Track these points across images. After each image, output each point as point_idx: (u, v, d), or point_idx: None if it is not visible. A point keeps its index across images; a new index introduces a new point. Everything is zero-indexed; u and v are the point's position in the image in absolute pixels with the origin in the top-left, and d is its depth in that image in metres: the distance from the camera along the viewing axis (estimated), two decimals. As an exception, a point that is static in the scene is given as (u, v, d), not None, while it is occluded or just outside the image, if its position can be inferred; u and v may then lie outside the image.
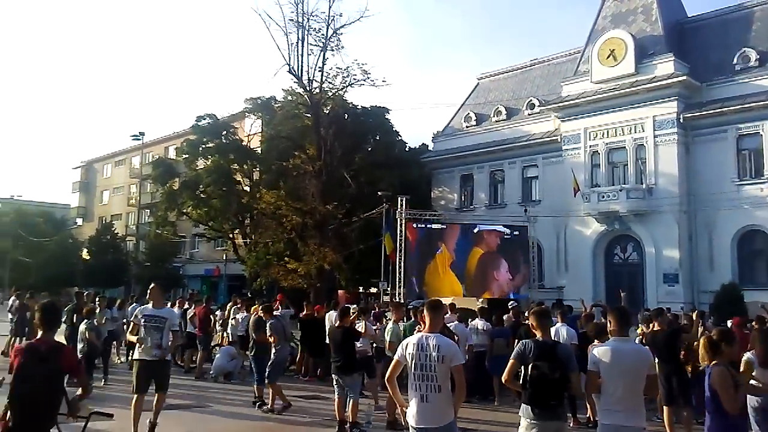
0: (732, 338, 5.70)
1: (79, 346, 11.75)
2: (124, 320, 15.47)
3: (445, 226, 27.76)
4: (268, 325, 11.02)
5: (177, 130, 51.50)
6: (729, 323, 12.38)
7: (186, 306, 17.03)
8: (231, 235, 40.09)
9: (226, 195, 36.69)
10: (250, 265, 35.36)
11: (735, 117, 26.62)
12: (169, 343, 8.53)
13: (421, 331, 5.52)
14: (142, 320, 8.35)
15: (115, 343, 16.63)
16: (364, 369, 10.65)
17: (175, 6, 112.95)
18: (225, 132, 39.42)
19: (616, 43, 29.76)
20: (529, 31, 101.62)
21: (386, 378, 5.40)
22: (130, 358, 15.48)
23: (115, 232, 51.07)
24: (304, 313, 16.28)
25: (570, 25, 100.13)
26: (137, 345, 8.43)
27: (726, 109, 26.66)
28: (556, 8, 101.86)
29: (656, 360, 9.15)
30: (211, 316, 16.51)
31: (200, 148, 39.47)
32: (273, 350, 10.98)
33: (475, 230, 26.78)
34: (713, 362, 5.35)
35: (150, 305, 8.64)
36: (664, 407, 9.14)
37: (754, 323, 10.15)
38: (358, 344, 10.12)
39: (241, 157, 38.01)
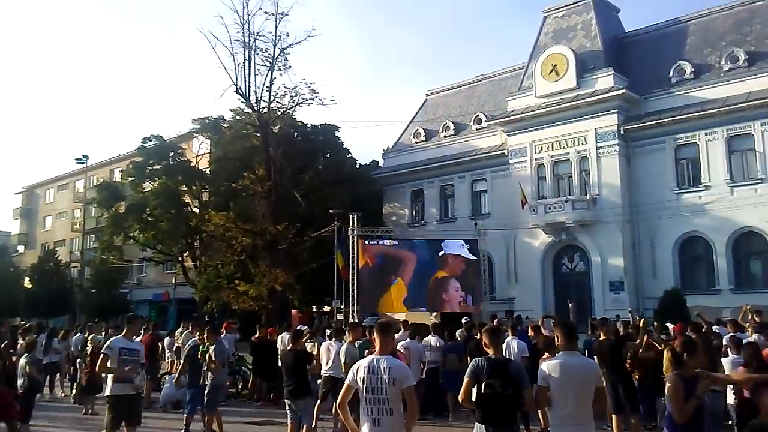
0: (694, 349, 5.76)
1: (19, 381, 11.28)
2: (67, 351, 14.96)
3: (404, 248, 27.20)
4: (212, 349, 10.66)
5: (122, 152, 50.41)
6: (670, 327, 12.78)
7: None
8: (180, 258, 39.31)
9: (174, 217, 36.00)
10: (201, 289, 34.71)
11: (672, 128, 27.61)
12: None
13: (372, 353, 5.51)
14: (119, 353, 8.13)
15: (58, 375, 16.06)
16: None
17: (118, 26, 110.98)
18: (172, 153, 38.76)
19: (557, 58, 30.59)
20: (475, 48, 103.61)
21: (337, 403, 5.36)
22: (74, 391, 15.04)
23: (59, 258, 49.38)
24: (256, 335, 16.08)
25: (514, 41, 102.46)
26: (111, 380, 8.16)
27: (663, 120, 27.65)
28: (499, 26, 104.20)
29: (603, 369, 9.38)
30: (159, 343, 16.11)
31: (147, 170, 38.70)
32: (209, 376, 10.44)
33: (440, 253, 26.73)
34: (671, 372, 5.48)
35: (123, 337, 8.47)
36: (613, 415, 9.33)
37: (689, 329, 10.48)
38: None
39: (190, 178, 37.42)
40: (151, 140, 39.07)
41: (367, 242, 26.66)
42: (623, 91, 28.42)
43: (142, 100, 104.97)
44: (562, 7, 33.07)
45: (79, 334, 17.56)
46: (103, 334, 16.68)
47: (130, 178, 39.97)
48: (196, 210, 37.23)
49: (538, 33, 33.45)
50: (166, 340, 17.73)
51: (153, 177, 38.34)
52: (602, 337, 10.24)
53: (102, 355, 8.37)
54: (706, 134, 26.80)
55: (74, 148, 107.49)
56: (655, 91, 28.79)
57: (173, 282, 40.91)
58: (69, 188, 59.11)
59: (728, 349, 8.91)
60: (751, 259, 26.13)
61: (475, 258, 26.73)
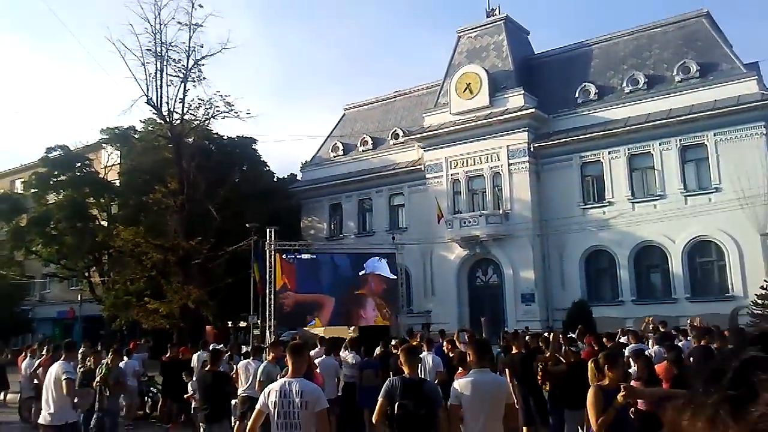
0: (615, 362, 5.91)
1: None
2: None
3: (321, 292, 27.02)
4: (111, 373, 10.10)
5: (24, 163, 47.75)
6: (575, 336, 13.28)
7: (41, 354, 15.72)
8: (86, 274, 37.49)
9: (80, 231, 34.38)
10: (108, 306, 33.21)
11: (578, 146, 28.90)
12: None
13: (284, 377, 5.46)
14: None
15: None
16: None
17: (13, 27, 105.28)
18: (79, 164, 37.06)
19: (471, 77, 31.46)
20: (393, 64, 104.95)
21: (248, 428, 5.27)
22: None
23: (-48, 274, 46.14)
24: (167, 355, 15.54)
25: (430, 60, 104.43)
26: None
27: (570, 139, 28.91)
28: (416, 43, 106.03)
29: (514, 381, 9.66)
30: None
31: (51, 182, 36.83)
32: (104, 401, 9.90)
33: (361, 273, 26.83)
34: (593, 383, 5.69)
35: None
36: (523, 428, 9.60)
37: (593, 341, 10.93)
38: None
39: (97, 190, 35.88)
40: (56, 150, 37.23)
41: (285, 256, 26.45)
42: (533, 110, 29.53)
43: (46, 109, 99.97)
44: (475, 27, 34.08)
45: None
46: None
47: (33, 190, 37.91)
48: (104, 224, 35.74)
49: (453, 52, 34.31)
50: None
51: (57, 189, 36.55)
52: (514, 350, 10.53)
53: (67, 380, 8.19)
54: (609, 152, 28.20)
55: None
56: (562, 111, 30.07)
57: (79, 299, 38.96)
58: (-36, 199, 55.35)
59: (630, 361, 9.34)
60: (651, 272, 27.60)
61: (393, 277, 27.08)
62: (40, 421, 8.28)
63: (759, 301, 22.29)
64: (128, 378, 12.86)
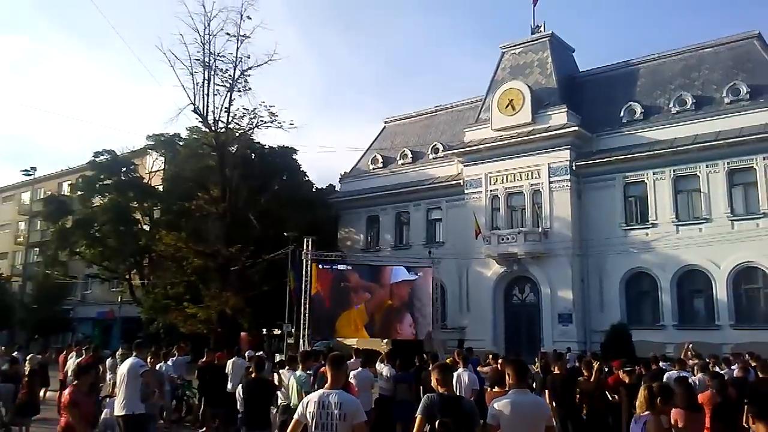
0: (669, 395, 5.87)
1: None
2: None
3: (364, 278, 27.22)
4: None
5: (72, 166, 49.17)
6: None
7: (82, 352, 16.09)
8: (127, 277, 38.29)
9: (123, 235, 35.17)
10: (147, 309, 33.82)
11: (622, 166, 28.43)
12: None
13: (323, 388, 5.46)
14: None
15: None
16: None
17: (71, 37, 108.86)
18: (124, 169, 38.02)
19: (514, 93, 31.29)
20: (434, 79, 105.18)
21: (286, 438, 5.28)
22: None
23: (0, 272, 47.63)
24: (204, 359, 15.71)
25: (472, 75, 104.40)
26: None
27: (613, 158, 28.46)
28: (458, 59, 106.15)
29: (553, 403, 9.50)
30: (100, 365, 15.55)
31: (97, 185, 37.81)
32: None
33: (391, 281, 26.87)
34: (648, 412, 5.61)
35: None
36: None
37: (637, 367, 10.68)
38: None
39: (141, 195, 36.69)
40: (103, 155, 38.25)
41: (320, 266, 26.58)
42: (576, 128, 29.19)
43: (96, 115, 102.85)
44: (520, 44, 33.95)
45: (16, 352, 16.90)
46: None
47: (79, 193, 38.99)
48: (147, 228, 36.49)
49: (496, 68, 34.21)
50: (108, 361, 17.12)
51: (103, 192, 37.49)
52: (556, 371, 10.36)
53: (144, 372, 8.81)
54: (653, 173, 27.68)
55: (21, 160, 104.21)
56: (606, 130, 29.66)
57: (119, 300, 39.86)
58: (14, 200, 57.25)
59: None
60: (694, 297, 26.89)
61: (429, 291, 26.94)
62: (115, 412, 8.79)
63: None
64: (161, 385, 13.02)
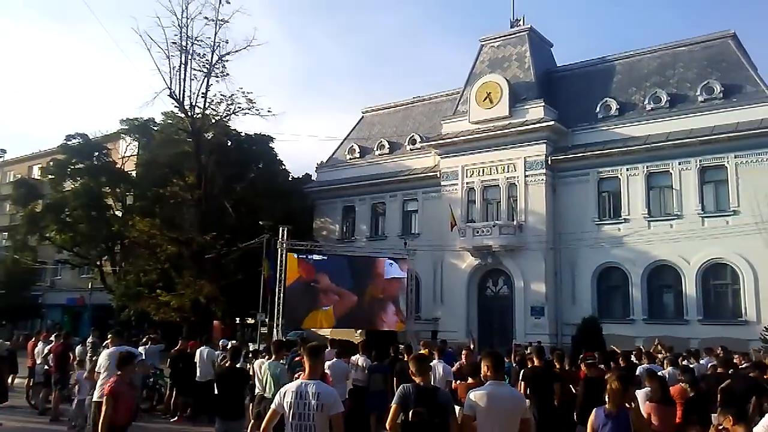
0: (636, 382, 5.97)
1: None
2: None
3: (341, 286, 26.98)
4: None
5: (42, 149, 48.28)
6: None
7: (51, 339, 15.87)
8: (98, 263, 37.75)
9: (95, 220, 34.63)
10: (119, 296, 33.42)
11: (596, 161, 28.73)
12: None
13: (300, 378, 5.45)
14: None
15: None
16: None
17: (42, 15, 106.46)
18: (97, 153, 37.40)
19: (492, 86, 31.39)
20: (413, 70, 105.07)
21: (262, 428, 5.27)
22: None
23: (-34, 256, 46.60)
24: (176, 347, 15.62)
25: (451, 67, 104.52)
26: None
27: (588, 153, 28.74)
28: (438, 50, 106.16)
29: (530, 395, 9.63)
30: (70, 353, 15.36)
31: (68, 169, 37.15)
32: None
33: (382, 276, 26.74)
34: (626, 404, 5.72)
35: None
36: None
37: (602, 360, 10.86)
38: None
39: (114, 180, 36.15)
40: (75, 138, 37.61)
41: (297, 256, 26.43)
42: (552, 122, 29.40)
43: (67, 98, 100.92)
44: (499, 37, 34.05)
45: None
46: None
47: (50, 176, 38.30)
48: (119, 214, 35.98)
49: (475, 60, 34.26)
50: (78, 348, 16.89)
51: (75, 176, 36.88)
52: (536, 364, 10.50)
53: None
54: (627, 169, 28.01)
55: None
56: (582, 125, 29.91)
57: (89, 287, 39.32)
58: (-19, 183, 56.02)
59: (643, 381, 9.25)
60: (664, 292, 27.34)
61: (404, 282, 26.97)
62: (95, 398, 8.78)
63: (773, 328, 22.08)
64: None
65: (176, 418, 14.31)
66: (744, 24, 79.53)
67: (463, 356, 12.54)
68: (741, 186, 25.35)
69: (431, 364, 10.41)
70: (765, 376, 10.56)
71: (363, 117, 41.38)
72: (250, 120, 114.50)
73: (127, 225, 31.38)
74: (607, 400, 5.74)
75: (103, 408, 6.96)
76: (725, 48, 28.98)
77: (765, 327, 22.47)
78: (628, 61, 31.66)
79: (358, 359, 13.12)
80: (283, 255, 25.67)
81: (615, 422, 5.58)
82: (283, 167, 39.41)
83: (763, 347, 21.54)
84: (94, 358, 14.91)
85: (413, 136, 36.05)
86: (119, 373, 7.33)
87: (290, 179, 39.62)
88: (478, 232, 29.93)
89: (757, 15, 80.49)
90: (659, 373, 9.65)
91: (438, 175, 32.57)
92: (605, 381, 6.00)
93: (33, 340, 17.88)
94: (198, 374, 14.29)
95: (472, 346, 17.24)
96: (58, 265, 44.86)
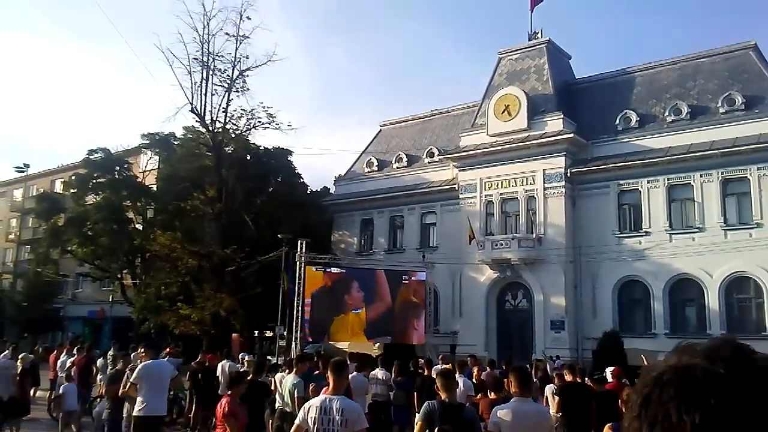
0: None
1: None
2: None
3: (354, 278, 27.44)
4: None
5: (65, 163, 48.99)
6: (608, 372, 12.97)
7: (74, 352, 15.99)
8: (119, 276, 38.09)
9: (116, 233, 34.98)
10: (139, 309, 33.65)
11: (616, 174, 28.53)
12: None
13: (324, 393, 5.44)
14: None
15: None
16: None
17: (66, 32, 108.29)
18: (118, 167, 37.83)
19: (510, 99, 31.35)
20: (431, 83, 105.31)
21: (287, 443, 5.27)
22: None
23: (-9, 269, 47.39)
24: (197, 361, 15.66)
25: (469, 80, 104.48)
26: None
27: (608, 166, 28.55)
28: (456, 64, 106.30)
29: (562, 412, 9.51)
30: (93, 366, 15.48)
31: (90, 184, 37.61)
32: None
33: (405, 279, 27.03)
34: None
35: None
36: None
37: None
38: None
39: (135, 194, 36.53)
40: (97, 152, 38.05)
41: (314, 269, 26.56)
42: (571, 135, 29.26)
43: (90, 113, 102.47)
44: (517, 50, 34.04)
45: (6, 351, 16.74)
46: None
47: (72, 190, 38.80)
48: (140, 227, 36.32)
49: (493, 73, 34.26)
50: (99, 361, 17.05)
51: (96, 190, 37.30)
52: (569, 379, 10.38)
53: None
54: (648, 182, 27.79)
55: (14, 156, 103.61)
56: (601, 137, 29.75)
57: (110, 300, 39.67)
58: (6, 196, 56.98)
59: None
60: (686, 306, 27.00)
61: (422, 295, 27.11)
62: (142, 413, 8.79)
63: (799, 342, 21.66)
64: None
65: (196, 430, 14.31)
66: (766, 34, 78.78)
67: (475, 371, 12.42)
68: (764, 198, 25.04)
69: (453, 379, 10.43)
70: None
71: (381, 130, 41.49)
72: (270, 134, 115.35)
73: (148, 238, 31.67)
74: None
75: (228, 427, 6.94)
76: (746, 59, 28.72)
77: (790, 341, 22.05)
78: (648, 73, 31.48)
79: (378, 373, 13.09)
80: (302, 268, 25.76)
81: None
82: (302, 180, 39.60)
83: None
84: (111, 370, 15.05)
85: (431, 149, 36.05)
86: (230, 392, 7.33)
87: (309, 192, 39.76)
88: (496, 245, 29.79)
89: (778, 25, 79.63)
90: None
91: (456, 188, 32.51)
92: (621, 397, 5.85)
93: (55, 352, 18.04)
94: (221, 388, 14.30)
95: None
96: (79, 278, 45.36)
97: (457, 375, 11.20)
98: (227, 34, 29.19)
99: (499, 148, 30.83)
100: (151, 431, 8.78)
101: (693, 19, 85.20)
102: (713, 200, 26.23)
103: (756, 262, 24.65)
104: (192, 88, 28.95)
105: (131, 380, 9.04)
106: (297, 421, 5.19)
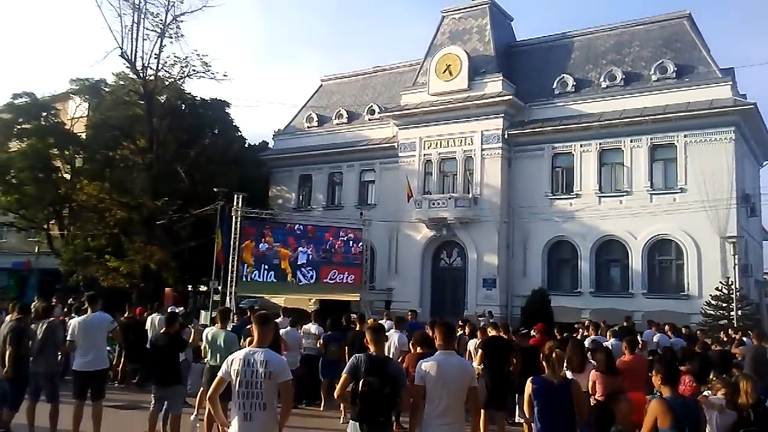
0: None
1: None
2: None
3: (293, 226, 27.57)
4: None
5: (-14, 108, 46.19)
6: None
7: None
8: (45, 227, 36.64)
9: (42, 182, 33.46)
10: (66, 261, 32.54)
11: (551, 137, 29.08)
12: None
13: (248, 346, 5.42)
14: None
15: None
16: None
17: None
18: (45, 113, 35.94)
19: (452, 58, 31.33)
20: (374, 39, 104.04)
21: (208, 396, 5.24)
22: None
23: None
24: (126, 315, 15.39)
25: (412, 37, 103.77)
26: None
27: (544, 129, 29.07)
28: (398, 20, 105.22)
29: (483, 364, 9.84)
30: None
31: (15, 129, 35.66)
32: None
33: (330, 240, 27.12)
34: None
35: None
36: (481, 410, 9.71)
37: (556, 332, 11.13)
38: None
39: (63, 142, 34.89)
40: (22, 97, 36.04)
41: (250, 224, 26.31)
42: (510, 97, 29.56)
43: (14, 55, 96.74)
44: (460, 9, 33.90)
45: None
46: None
47: (-5, 137, 36.71)
48: (68, 176, 34.89)
49: (436, 31, 34.08)
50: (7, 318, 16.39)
51: (21, 137, 35.42)
52: (493, 334, 10.73)
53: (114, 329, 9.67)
54: (581, 145, 28.47)
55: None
56: (538, 100, 30.16)
57: (36, 251, 38.25)
58: None
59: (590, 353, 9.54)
60: (611, 266, 28.07)
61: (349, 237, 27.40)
62: (81, 368, 8.74)
63: (713, 302, 22.95)
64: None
65: (124, 384, 14.16)
66: (699, 4, 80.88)
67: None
68: (689, 165, 26.05)
69: (387, 333, 10.59)
70: (693, 347, 11.20)
71: (322, 85, 40.87)
72: (206, 84, 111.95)
73: (75, 188, 30.47)
74: (546, 369, 5.79)
75: None
76: (680, 28, 29.47)
77: (706, 302, 23.33)
78: (587, 38, 31.93)
79: (311, 327, 13.18)
80: (237, 222, 25.41)
81: (555, 391, 5.64)
82: (239, 134, 38.69)
83: (704, 320, 22.49)
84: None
85: (372, 106, 35.84)
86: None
87: (246, 146, 38.94)
88: (433, 204, 30.10)
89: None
90: (604, 344, 9.98)
91: (396, 146, 32.52)
92: (542, 350, 6.01)
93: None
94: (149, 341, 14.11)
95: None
96: (3, 227, 43.36)
97: (392, 330, 11.43)
98: (161, -25, 27.85)
99: (439, 107, 30.91)
100: (92, 384, 8.71)
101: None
102: (641, 165, 27.12)
103: (678, 226, 25.76)
104: (122, 31, 27.65)
105: (68, 338, 8.92)
106: (220, 374, 5.15)
